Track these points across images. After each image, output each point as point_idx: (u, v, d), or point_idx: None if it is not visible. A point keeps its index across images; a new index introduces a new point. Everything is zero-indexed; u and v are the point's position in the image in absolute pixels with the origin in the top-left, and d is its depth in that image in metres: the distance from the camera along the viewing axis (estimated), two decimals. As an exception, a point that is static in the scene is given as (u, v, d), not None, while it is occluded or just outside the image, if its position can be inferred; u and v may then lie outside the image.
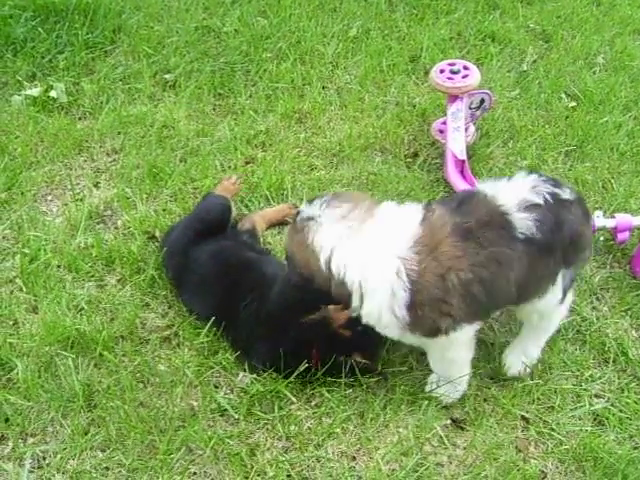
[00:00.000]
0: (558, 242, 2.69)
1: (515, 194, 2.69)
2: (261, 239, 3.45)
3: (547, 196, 2.69)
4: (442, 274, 2.57)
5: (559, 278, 2.79)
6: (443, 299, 2.59)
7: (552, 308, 2.89)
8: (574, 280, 2.94)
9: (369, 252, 2.61)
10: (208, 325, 3.05)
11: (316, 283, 2.68)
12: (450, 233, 2.61)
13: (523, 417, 2.90)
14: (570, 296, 2.99)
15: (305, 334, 2.87)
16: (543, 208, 2.66)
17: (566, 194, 2.75)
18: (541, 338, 3.04)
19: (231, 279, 3.10)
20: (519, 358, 3.02)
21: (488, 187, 2.78)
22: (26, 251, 3.39)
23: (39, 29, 4.56)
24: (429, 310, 2.60)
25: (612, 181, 3.91)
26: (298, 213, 2.78)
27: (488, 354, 3.09)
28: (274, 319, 2.91)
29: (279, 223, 3.59)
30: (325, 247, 2.63)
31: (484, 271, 2.60)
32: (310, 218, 2.69)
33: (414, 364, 3.04)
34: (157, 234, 3.49)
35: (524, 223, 2.62)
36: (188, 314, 3.17)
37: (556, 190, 2.73)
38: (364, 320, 2.68)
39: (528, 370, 3.02)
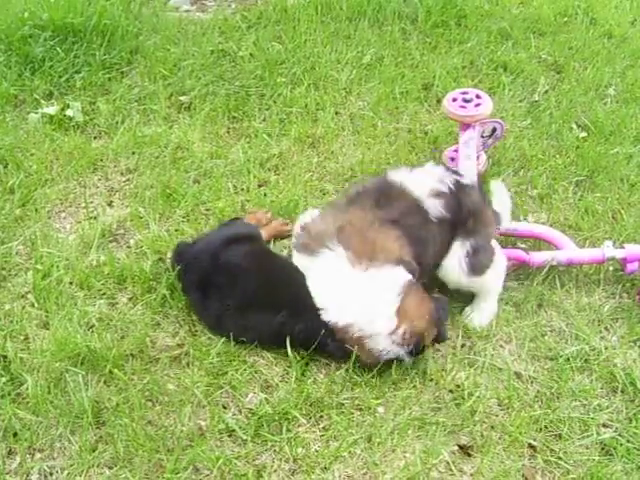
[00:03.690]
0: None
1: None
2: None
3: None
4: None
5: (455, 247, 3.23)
6: None
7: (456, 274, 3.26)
8: (487, 250, 3.31)
9: None
10: (218, 344, 3.07)
11: None
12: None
13: (530, 445, 2.89)
14: (499, 262, 3.35)
15: None
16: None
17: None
18: (479, 301, 3.38)
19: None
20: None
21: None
22: (39, 267, 3.41)
23: (57, 49, 4.63)
24: None
25: (622, 212, 3.93)
26: None
27: (497, 380, 3.10)
28: None
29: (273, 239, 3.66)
30: None
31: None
32: None
33: (422, 388, 3.04)
34: (168, 256, 3.51)
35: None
36: (198, 334, 3.19)
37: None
38: None
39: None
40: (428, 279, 3.23)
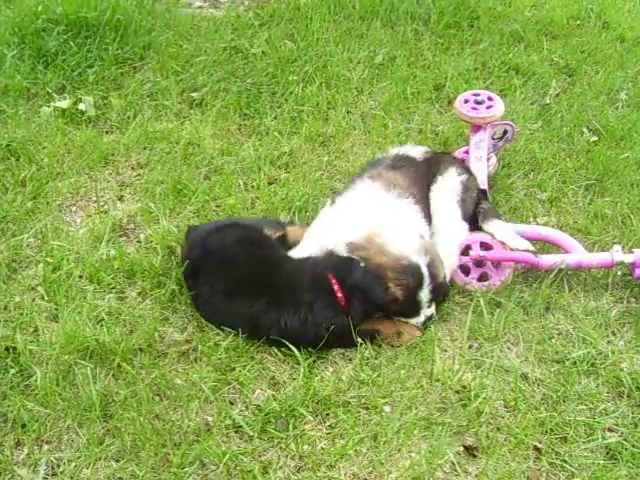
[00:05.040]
0: None
1: None
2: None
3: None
4: None
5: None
6: None
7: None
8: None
9: None
10: (227, 340, 3.09)
11: None
12: None
13: (536, 447, 2.89)
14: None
15: None
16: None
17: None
18: None
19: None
20: None
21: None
22: (49, 260, 3.43)
23: (70, 43, 4.66)
24: None
25: (631, 216, 3.92)
26: None
27: (504, 381, 3.10)
28: None
29: None
30: None
31: None
32: None
33: (428, 388, 3.05)
34: (177, 252, 3.52)
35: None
36: (207, 329, 3.20)
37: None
38: None
39: None
40: None
